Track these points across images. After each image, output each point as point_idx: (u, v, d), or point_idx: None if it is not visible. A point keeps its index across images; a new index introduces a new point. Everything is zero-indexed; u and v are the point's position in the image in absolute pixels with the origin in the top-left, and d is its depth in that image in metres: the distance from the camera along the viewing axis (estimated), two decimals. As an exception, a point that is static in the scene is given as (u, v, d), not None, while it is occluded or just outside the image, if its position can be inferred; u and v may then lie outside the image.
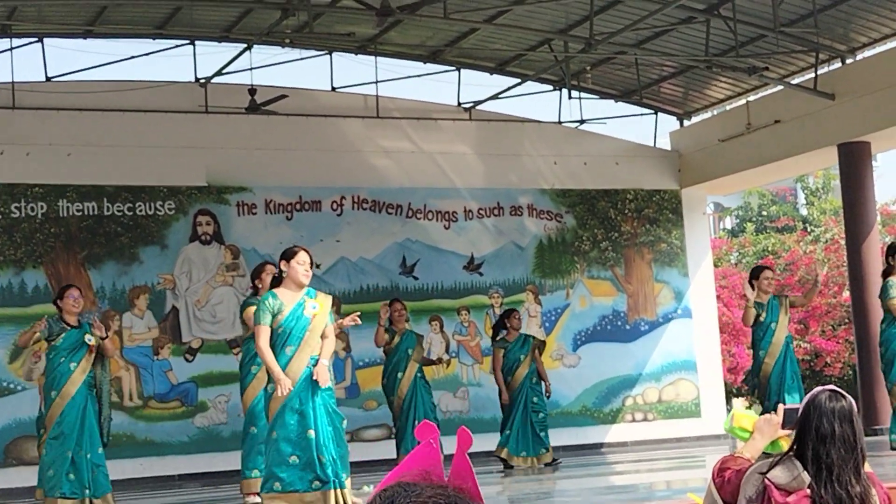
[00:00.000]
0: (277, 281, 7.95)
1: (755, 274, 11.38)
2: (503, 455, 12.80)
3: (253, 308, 8.37)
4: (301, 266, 7.78)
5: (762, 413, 10.91)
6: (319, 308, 7.77)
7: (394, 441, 12.54)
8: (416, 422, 11.82)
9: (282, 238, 14.24)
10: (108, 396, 10.17)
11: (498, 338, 13.04)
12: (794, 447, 3.72)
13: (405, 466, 1.53)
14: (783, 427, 3.99)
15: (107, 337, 9.78)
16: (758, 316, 11.12)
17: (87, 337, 9.79)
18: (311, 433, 7.59)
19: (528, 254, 16.21)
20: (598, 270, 16.53)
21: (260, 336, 7.68)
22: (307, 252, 7.94)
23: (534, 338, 13.28)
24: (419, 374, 12.28)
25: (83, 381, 9.70)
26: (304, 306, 7.73)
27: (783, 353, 11.16)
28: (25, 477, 12.41)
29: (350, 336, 14.66)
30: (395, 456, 12.49)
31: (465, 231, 15.90)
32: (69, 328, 9.76)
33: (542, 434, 12.87)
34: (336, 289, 14.48)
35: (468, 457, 1.54)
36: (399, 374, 12.15)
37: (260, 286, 9.43)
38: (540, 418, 12.89)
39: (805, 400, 3.79)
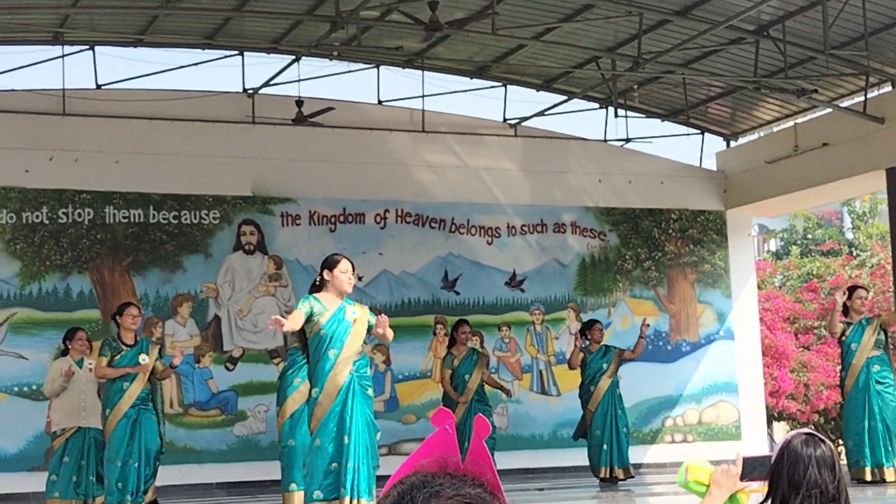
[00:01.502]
0: (317, 288, 7.95)
1: (849, 293, 11.35)
2: (619, 473, 12.64)
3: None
4: (344, 274, 7.82)
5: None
6: (359, 313, 7.80)
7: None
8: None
9: (325, 249, 14.23)
10: (161, 407, 10.36)
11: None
12: (767, 501, 3.32)
13: (421, 453, 1.50)
14: (742, 479, 3.49)
15: (174, 367, 10.05)
16: (844, 332, 11.08)
17: (142, 356, 9.91)
18: (346, 439, 7.58)
19: (571, 271, 16.16)
20: (640, 290, 16.45)
21: (294, 312, 7.75)
22: (349, 260, 7.97)
23: (616, 347, 13.31)
24: (477, 395, 12.43)
25: (136, 397, 9.85)
26: (345, 311, 7.76)
27: (864, 375, 10.95)
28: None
29: (390, 350, 14.67)
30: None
31: (507, 247, 15.87)
32: (125, 348, 9.92)
33: (624, 449, 12.86)
34: (378, 301, 14.50)
35: (485, 444, 1.51)
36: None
37: None
38: (623, 433, 12.85)
39: (779, 445, 3.41)
